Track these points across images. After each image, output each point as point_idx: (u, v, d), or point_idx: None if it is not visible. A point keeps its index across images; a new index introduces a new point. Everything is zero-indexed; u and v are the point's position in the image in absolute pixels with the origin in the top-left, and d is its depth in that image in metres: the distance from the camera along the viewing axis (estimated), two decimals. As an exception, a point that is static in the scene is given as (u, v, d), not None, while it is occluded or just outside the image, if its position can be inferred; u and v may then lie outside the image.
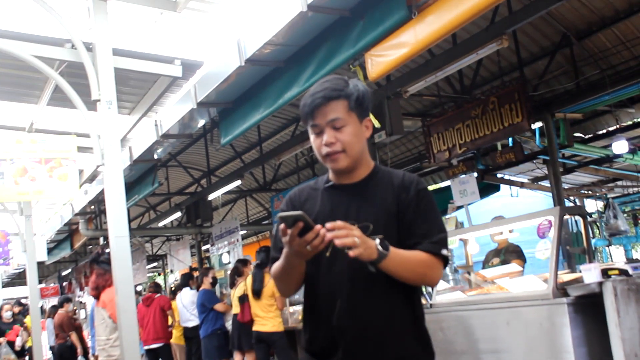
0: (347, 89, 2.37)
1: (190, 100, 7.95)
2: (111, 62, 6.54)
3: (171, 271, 21.69)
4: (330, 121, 2.34)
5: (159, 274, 30.10)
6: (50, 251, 20.81)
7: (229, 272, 11.06)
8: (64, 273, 26.74)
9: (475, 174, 10.03)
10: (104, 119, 6.41)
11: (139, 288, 21.20)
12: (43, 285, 25.31)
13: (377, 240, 2.16)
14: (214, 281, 11.02)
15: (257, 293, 8.95)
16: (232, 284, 9.99)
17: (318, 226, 2.07)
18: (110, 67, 6.52)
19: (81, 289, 22.08)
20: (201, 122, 9.14)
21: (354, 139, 2.36)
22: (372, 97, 2.48)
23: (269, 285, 8.83)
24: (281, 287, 2.51)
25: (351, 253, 2.06)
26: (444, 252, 2.33)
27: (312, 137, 2.42)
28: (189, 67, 7.83)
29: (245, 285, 9.42)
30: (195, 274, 12.89)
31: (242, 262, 10.19)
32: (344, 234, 2.06)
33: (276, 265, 2.41)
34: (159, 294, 11.92)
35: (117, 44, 6.99)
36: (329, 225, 2.06)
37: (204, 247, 17.96)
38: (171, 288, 15.27)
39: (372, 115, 2.62)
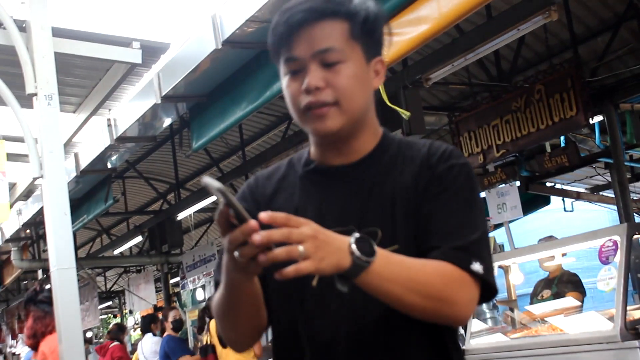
0: (350, 4, 1.90)
1: (153, 93, 7.97)
2: (51, 46, 6.55)
3: (130, 312, 21.69)
4: (318, 53, 1.86)
5: (115, 316, 30.06)
6: (-26, 289, 20.76)
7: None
8: (-8, 316, 26.69)
9: (518, 183, 10.03)
10: (42, 119, 6.41)
11: (89, 334, 21.18)
12: (-34, 332, 25.24)
13: (353, 239, 1.64)
14: (177, 324, 10.98)
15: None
16: (201, 329, 10.00)
17: (250, 222, 1.55)
18: (49, 51, 6.54)
19: (14, 337, 22.02)
20: (167, 122, 9.15)
21: (354, 85, 1.89)
22: (387, 24, 2.04)
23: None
24: (227, 332, 2.03)
25: (293, 269, 1.55)
26: (476, 266, 1.79)
27: (284, 80, 1.95)
28: (151, 51, 7.85)
29: (209, 331, 9.47)
30: (160, 314, 12.91)
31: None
32: (280, 236, 1.56)
33: (217, 294, 1.93)
34: (115, 342, 11.93)
35: (59, 22, 7.01)
36: (262, 215, 1.56)
37: (172, 281, 17.96)
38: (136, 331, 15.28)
39: (397, 108, 2.43)
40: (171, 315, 10.92)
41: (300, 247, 1.54)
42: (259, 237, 1.53)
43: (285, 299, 1.94)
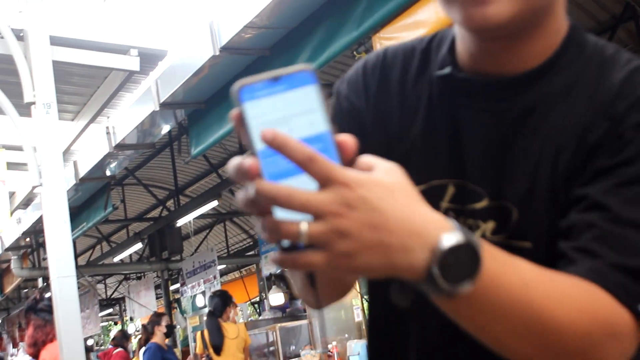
0: None
1: (151, 100, 7.96)
2: (49, 54, 6.56)
3: (131, 319, 21.63)
4: None
5: (116, 323, 30.01)
6: (-26, 297, 20.75)
7: (204, 317, 11.06)
8: (-8, 325, 26.66)
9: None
10: (40, 127, 6.42)
11: (90, 342, 21.15)
12: (-34, 341, 25.22)
13: (445, 241, 0.86)
14: (169, 330, 10.93)
15: (217, 348, 9.09)
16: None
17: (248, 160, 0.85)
18: (47, 60, 6.54)
19: (15, 346, 21.98)
20: (166, 128, 9.14)
21: None
22: None
23: (242, 333, 9.21)
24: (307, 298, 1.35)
25: (290, 258, 0.85)
26: None
27: None
28: (149, 58, 7.86)
29: (196, 342, 9.54)
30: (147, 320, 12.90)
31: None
32: (274, 197, 0.82)
33: None
34: (119, 349, 11.93)
35: (56, 30, 7.01)
36: (267, 134, 0.81)
37: (172, 287, 17.92)
38: (138, 338, 15.26)
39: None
40: (164, 322, 10.86)
41: (304, 226, 0.82)
42: (241, 193, 0.84)
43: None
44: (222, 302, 9.69)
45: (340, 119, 1.33)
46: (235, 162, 0.85)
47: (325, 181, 0.82)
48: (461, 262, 0.88)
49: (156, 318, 11.01)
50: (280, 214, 0.83)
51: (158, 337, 10.69)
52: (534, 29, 1.21)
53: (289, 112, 0.85)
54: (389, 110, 1.32)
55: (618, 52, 1.24)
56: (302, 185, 0.83)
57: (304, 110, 0.86)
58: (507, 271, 0.95)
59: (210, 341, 9.27)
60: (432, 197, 1.10)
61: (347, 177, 0.83)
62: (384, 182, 0.86)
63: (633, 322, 1.02)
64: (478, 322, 0.98)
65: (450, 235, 0.87)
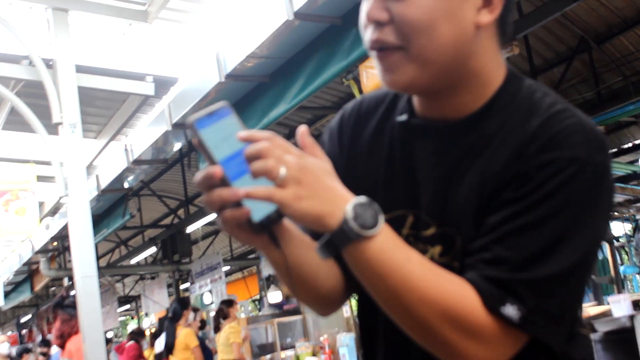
0: None
1: (165, 121, 7.96)
2: (74, 80, 6.56)
3: (146, 314, 21.55)
4: None
5: (132, 318, 29.89)
6: (7, 295, 20.65)
7: (211, 313, 11.04)
8: (23, 319, 26.52)
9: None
10: (67, 144, 6.42)
11: (110, 334, 21.06)
12: None
13: (356, 200, 1.11)
14: (202, 324, 10.92)
15: (169, 348, 9.23)
16: (217, 328, 9.96)
17: (214, 167, 1.08)
18: (73, 85, 6.55)
19: (43, 338, 21.89)
20: (177, 146, 9.14)
21: (431, 22, 1.19)
22: None
23: (180, 337, 9.26)
24: (296, 296, 1.44)
25: (263, 191, 1.06)
26: (509, 310, 1.12)
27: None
28: (163, 84, 7.86)
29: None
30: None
31: (227, 303, 10.16)
32: (255, 149, 1.07)
33: None
34: (131, 342, 11.90)
35: (81, 59, 7.03)
36: (241, 133, 1.10)
37: (182, 286, 17.87)
38: (150, 332, 15.21)
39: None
40: (199, 315, 10.79)
41: (283, 169, 1.05)
42: (217, 192, 1.07)
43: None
44: (180, 307, 9.80)
45: None
46: (200, 173, 1.07)
47: (285, 151, 1.08)
48: (367, 214, 1.09)
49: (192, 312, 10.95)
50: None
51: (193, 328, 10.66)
52: (458, 86, 1.27)
53: (226, 132, 1.10)
54: (360, 152, 1.43)
55: (544, 97, 1.27)
56: (252, 179, 1.07)
57: (233, 132, 1.10)
58: (397, 246, 1.13)
59: (165, 342, 9.51)
60: (395, 225, 1.21)
61: (302, 152, 1.11)
62: (320, 163, 1.12)
63: (494, 324, 1.12)
64: (369, 278, 1.13)
65: (360, 198, 1.10)
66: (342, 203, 1.10)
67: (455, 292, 1.13)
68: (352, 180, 1.28)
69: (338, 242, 1.10)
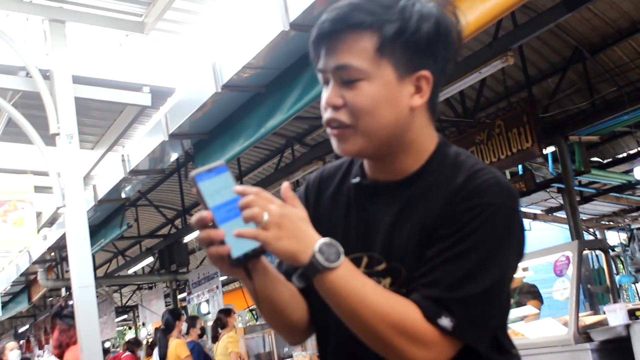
0: (385, 13, 1.53)
1: (161, 131, 7.96)
2: (71, 91, 6.55)
3: (143, 324, 21.52)
4: (336, 68, 1.54)
5: (130, 328, 29.82)
6: (5, 305, 20.59)
7: (208, 323, 11.01)
8: (20, 330, 26.46)
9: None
10: (64, 155, 6.40)
11: (107, 344, 21.01)
12: (-3, 344, 25.00)
13: (323, 240, 1.42)
14: (202, 332, 10.87)
15: (162, 359, 9.26)
16: (215, 338, 9.92)
17: (236, 187, 1.41)
18: (70, 96, 6.54)
19: (41, 348, 21.83)
20: (174, 156, 9.13)
21: (375, 106, 1.52)
22: (454, 31, 1.63)
23: (171, 348, 9.25)
24: (267, 322, 1.77)
25: (251, 231, 1.37)
26: (444, 321, 1.43)
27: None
28: (159, 94, 7.86)
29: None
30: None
31: (225, 312, 10.13)
32: (246, 201, 1.38)
33: None
34: (127, 353, 11.84)
35: (78, 70, 7.02)
36: (236, 188, 1.41)
37: (179, 296, 17.84)
38: (147, 342, 15.15)
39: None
40: (199, 323, 10.73)
41: (266, 215, 1.35)
42: (203, 233, 1.40)
43: (320, 307, 1.61)
44: (172, 318, 9.79)
45: None
46: (196, 215, 1.37)
47: (269, 202, 1.39)
48: (331, 251, 1.40)
49: (191, 321, 10.87)
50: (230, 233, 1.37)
51: (193, 337, 10.56)
52: (394, 154, 1.61)
53: (220, 186, 1.40)
54: (323, 209, 1.75)
55: (468, 159, 1.60)
56: (237, 224, 1.37)
57: (227, 185, 1.40)
58: (355, 275, 1.45)
59: (158, 353, 9.56)
60: (353, 264, 1.53)
61: (280, 203, 1.41)
62: (298, 212, 1.43)
63: (434, 333, 1.43)
64: (334, 299, 1.44)
65: (326, 239, 1.41)
66: (312, 242, 1.41)
67: (401, 308, 1.44)
68: (318, 231, 1.53)
69: (309, 272, 1.41)
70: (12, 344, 12.14)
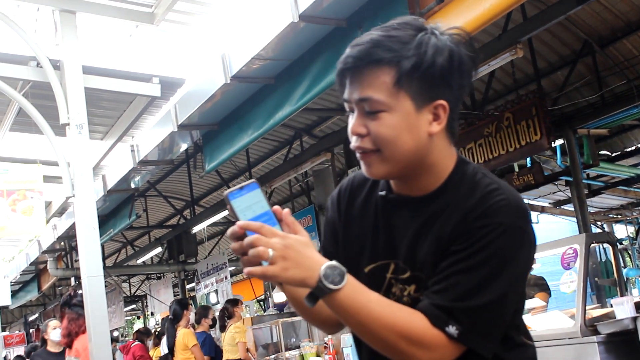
0: (402, 50, 1.65)
1: (171, 122, 7.96)
2: (81, 82, 6.56)
3: (151, 314, 21.58)
4: (359, 100, 1.68)
5: (138, 317, 29.91)
6: (14, 294, 20.68)
7: (216, 313, 11.01)
8: (30, 318, 26.56)
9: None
10: (73, 145, 6.41)
11: (116, 334, 21.08)
12: (7, 332, 25.12)
13: (327, 264, 1.55)
14: (214, 322, 10.80)
15: (170, 349, 9.24)
16: (223, 327, 9.94)
17: (238, 223, 1.55)
18: (80, 87, 6.54)
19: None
20: (183, 147, 9.14)
21: (396, 135, 1.66)
22: (468, 60, 1.74)
23: (179, 338, 9.30)
24: (304, 318, 2.01)
25: (259, 268, 1.52)
26: (450, 329, 1.59)
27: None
28: (169, 85, 7.86)
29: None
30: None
31: (232, 302, 10.15)
32: (249, 241, 1.52)
33: None
34: (137, 342, 11.88)
35: (88, 61, 7.02)
36: (239, 223, 1.54)
37: (188, 286, 17.88)
38: (155, 331, 15.20)
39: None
40: (211, 313, 10.68)
41: (271, 251, 1.49)
42: (235, 245, 1.55)
43: None
44: (180, 308, 9.79)
45: (325, 223, 1.99)
46: (230, 229, 1.53)
47: (272, 234, 1.51)
48: (335, 274, 1.54)
49: (203, 311, 10.85)
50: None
51: (204, 327, 10.51)
52: (416, 174, 1.74)
53: (250, 202, 1.56)
54: (354, 215, 1.90)
55: (484, 178, 1.73)
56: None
57: (257, 201, 1.56)
58: (360, 292, 1.59)
59: (167, 342, 9.61)
60: (381, 270, 1.79)
61: (282, 235, 1.53)
62: (299, 238, 1.55)
63: (440, 338, 1.58)
64: (345, 316, 1.59)
65: (330, 262, 1.55)
66: (317, 267, 1.54)
67: (406, 317, 1.59)
68: (349, 236, 1.88)
69: (317, 294, 1.55)
70: (54, 322, 12.07)
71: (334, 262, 1.55)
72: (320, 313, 1.84)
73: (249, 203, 1.56)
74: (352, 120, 1.71)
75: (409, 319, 1.59)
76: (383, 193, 1.84)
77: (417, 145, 1.69)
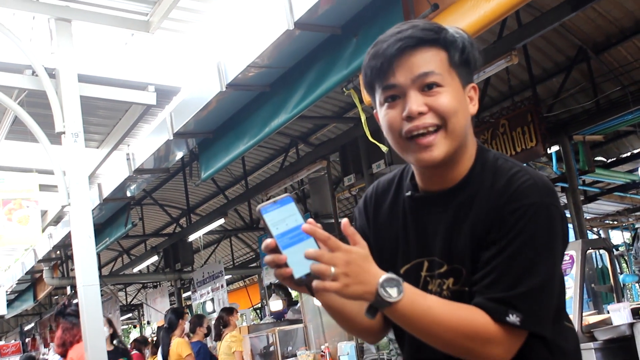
0: (447, 34, 1.76)
1: (166, 130, 7.96)
2: (77, 90, 6.56)
3: (148, 322, 21.54)
4: (419, 76, 1.71)
5: (134, 326, 29.84)
6: (10, 303, 20.64)
7: (213, 322, 10.99)
8: (26, 328, 26.51)
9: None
10: (69, 154, 6.40)
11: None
12: (2, 342, 25.06)
13: (384, 277, 1.57)
14: (209, 331, 10.76)
15: (165, 359, 9.26)
16: (218, 336, 9.92)
17: (268, 240, 1.57)
18: (75, 95, 6.54)
19: (46, 346, 21.87)
20: (179, 155, 9.14)
21: (457, 108, 1.73)
22: (480, 54, 1.85)
23: (173, 347, 9.26)
24: (344, 328, 2.03)
25: (321, 284, 1.52)
26: (512, 318, 1.62)
27: (381, 111, 1.78)
28: (164, 93, 7.86)
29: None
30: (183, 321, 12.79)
31: (228, 311, 10.13)
32: (314, 254, 1.52)
33: None
34: (134, 352, 11.84)
35: (83, 69, 7.02)
36: (305, 226, 1.54)
37: (184, 295, 17.85)
38: (152, 340, 15.16)
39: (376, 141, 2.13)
40: (205, 322, 10.65)
41: (333, 269, 1.51)
42: (268, 257, 1.56)
43: None
44: (175, 317, 9.77)
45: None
46: (264, 243, 1.55)
47: (337, 248, 1.51)
48: (392, 285, 1.55)
49: (198, 320, 10.81)
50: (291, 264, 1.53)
51: (199, 337, 10.45)
52: (457, 158, 1.78)
53: (284, 216, 1.57)
54: (382, 221, 1.93)
55: (505, 162, 1.79)
56: (299, 249, 1.52)
57: (290, 214, 1.57)
58: (420, 299, 1.62)
59: (161, 352, 9.56)
60: (415, 270, 1.83)
61: (346, 248, 1.53)
62: (360, 252, 1.55)
63: (503, 330, 1.61)
64: (407, 325, 1.63)
65: (386, 275, 1.56)
66: (375, 282, 1.55)
67: (468, 316, 1.62)
68: (380, 242, 1.90)
69: (377, 307, 1.58)
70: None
71: (390, 274, 1.57)
72: (362, 323, 1.85)
73: (282, 216, 1.57)
74: (407, 103, 1.71)
75: (471, 318, 1.63)
76: (409, 194, 1.87)
77: (466, 123, 1.77)
